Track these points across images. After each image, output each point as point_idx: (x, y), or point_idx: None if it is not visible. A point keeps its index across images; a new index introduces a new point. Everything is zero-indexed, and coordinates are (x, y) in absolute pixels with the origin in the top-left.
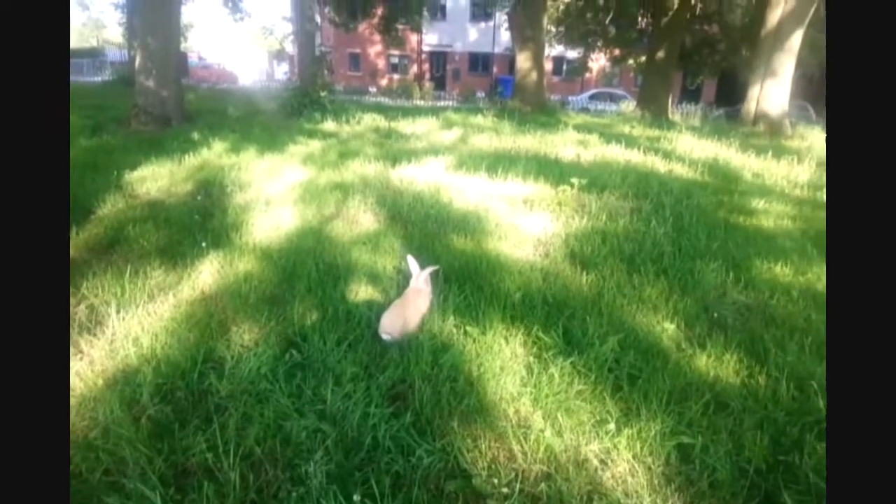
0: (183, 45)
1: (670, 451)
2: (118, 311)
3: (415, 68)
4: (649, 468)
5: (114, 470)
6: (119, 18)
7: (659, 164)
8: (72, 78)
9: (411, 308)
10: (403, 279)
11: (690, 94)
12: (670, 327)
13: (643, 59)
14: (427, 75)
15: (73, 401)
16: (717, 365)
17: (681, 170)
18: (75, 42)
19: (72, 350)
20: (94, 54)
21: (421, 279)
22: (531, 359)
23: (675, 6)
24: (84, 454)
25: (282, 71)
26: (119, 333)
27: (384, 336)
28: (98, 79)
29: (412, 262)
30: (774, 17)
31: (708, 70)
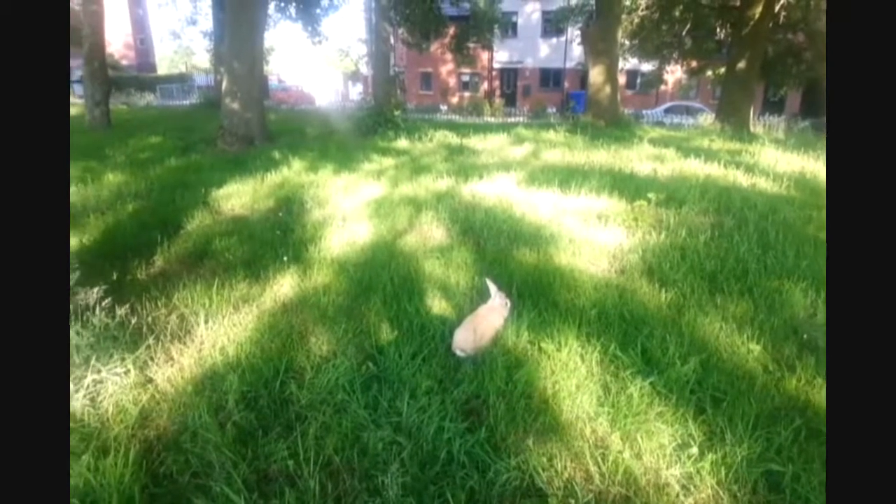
0: (264, 69)
1: (758, 479)
2: (206, 321)
3: (485, 85)
4: (735, 496)
5: (201, 473)
6: (207, 46)
7: (741, 179)
8: (162, 102)
9: (484, 324)
10: (477, 295)
11: (773, 106)
12: (756, 348)
13: (722, 70)
14: (497, 92)
15: (164, 405)
16: (809, 389)
17: (765, 184)
18: (166, 69)
19: (163, 357)
20: (184, 79)
21: (498, 298)
22: (608, 377)
23: (757, 15)
24: (175, 457)
25: (356, 91)
26: (207, 342)
27: (458, 352)
28: (187, 102)
29: (491, 284)
30: None
31: (792, 80)
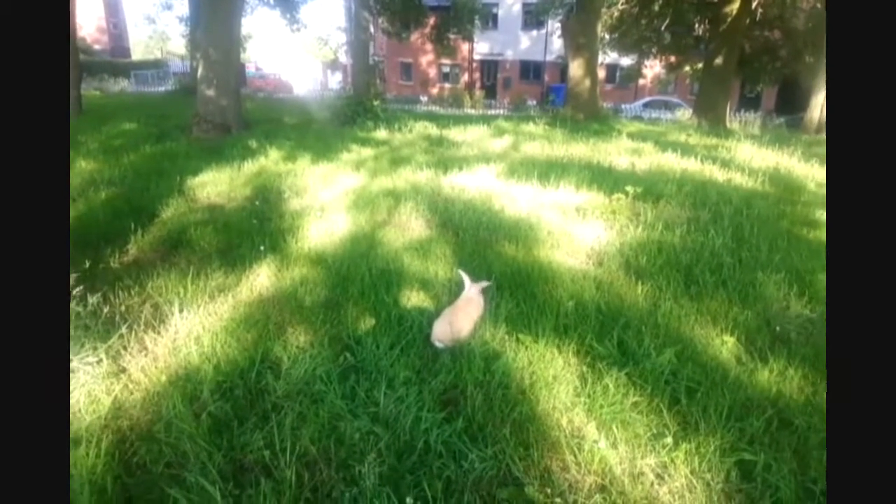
0: (241, 56)
1: (730, 468)
2: (181, 311)
3: (466, 77)
4: (708, 484)
5: (175, 463)
6: (182, 31)
7: (717, 173)
8: (137, 88)
9: (462, 315)
10: (455, 286)
11: (749, 102)
12: (730, 340)
13: (700, 65)
14: (478, 84)
15: (138, 395)
16: (780, 380)
17: (740, 179)
18: (141, 54)
19: (137, 347)
20: (159, 66)
21: (473, 289)
22: (585, 369)
23: (735, 12)
24: (148, 447)
25: (335, 80)
26: (182, 332)
27: (436, 343)
28: (162, 89)
29: (464, 276)
30: None
31: (768, 77)
